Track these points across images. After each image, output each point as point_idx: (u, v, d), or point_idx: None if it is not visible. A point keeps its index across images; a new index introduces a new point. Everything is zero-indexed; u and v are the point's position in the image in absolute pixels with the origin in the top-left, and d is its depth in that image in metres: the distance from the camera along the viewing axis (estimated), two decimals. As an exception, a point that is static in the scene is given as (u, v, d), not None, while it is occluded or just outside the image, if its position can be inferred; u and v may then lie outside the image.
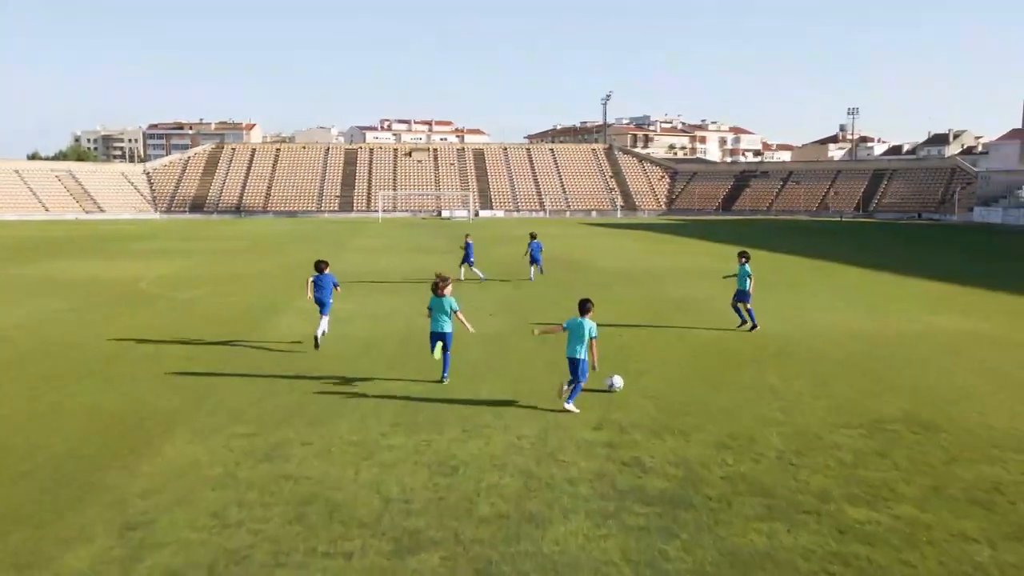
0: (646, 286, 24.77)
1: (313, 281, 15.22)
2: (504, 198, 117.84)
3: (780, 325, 17.47)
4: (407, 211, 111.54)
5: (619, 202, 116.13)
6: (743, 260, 17.11)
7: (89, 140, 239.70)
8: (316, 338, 14.82)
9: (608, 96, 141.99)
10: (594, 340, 10.94)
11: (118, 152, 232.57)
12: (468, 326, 12.72)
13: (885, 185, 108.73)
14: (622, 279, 26.84)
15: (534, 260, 26.62)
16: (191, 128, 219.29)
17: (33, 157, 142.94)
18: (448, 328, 12.20)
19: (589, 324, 10.91)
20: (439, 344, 12.09)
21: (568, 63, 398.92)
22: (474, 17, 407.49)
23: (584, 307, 11.02)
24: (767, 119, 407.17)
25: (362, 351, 14.75)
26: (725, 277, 18.76)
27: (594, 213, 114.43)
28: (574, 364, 10.91)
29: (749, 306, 16.86)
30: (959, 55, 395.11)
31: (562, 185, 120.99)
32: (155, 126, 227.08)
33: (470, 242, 27.00)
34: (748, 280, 16.69)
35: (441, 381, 12.36)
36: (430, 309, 12.29)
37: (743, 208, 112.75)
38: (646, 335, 16.37)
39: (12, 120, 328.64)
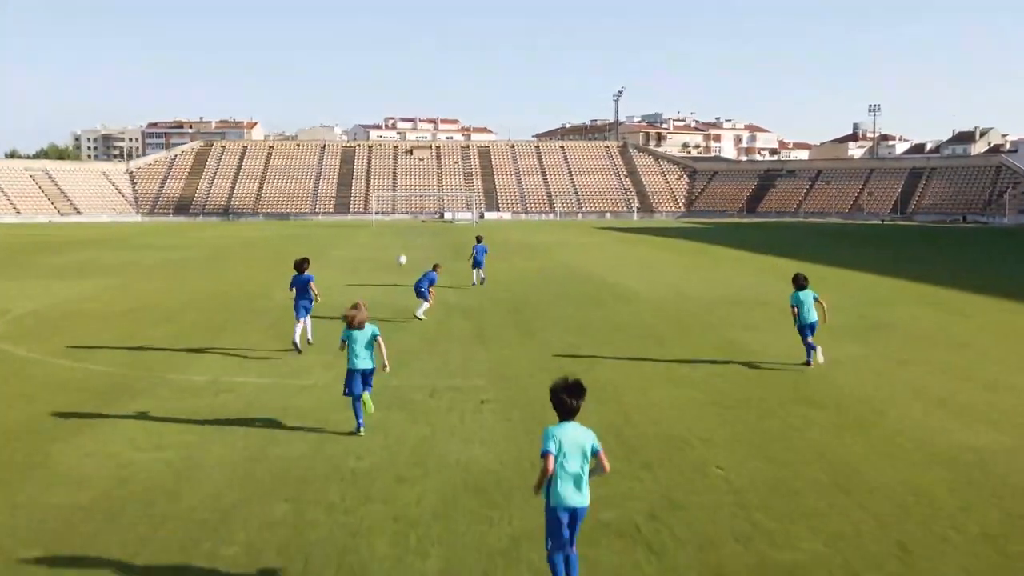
0: (714, 335, 17.01)
1: (290, 284, 14.57)
2: (511, 199, 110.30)
3: (1001, 435, 9.79)
4: (407, 213, 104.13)
5: (635, 203, 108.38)
6: (801, 285, 13.58)
7: (89, 139, 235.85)
8: (295, 343, 14.24)
9: (620, 92, 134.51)
10: (601, 455, 5.48)
11: (117, 151, 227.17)
12: (385, 358, 9.87)
13: (924, 185, 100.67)
14: (672, 318, 19.15)
15: (477, 264, 24.42)
16: (191, 127, 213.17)
17: (12, 155, 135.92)
18: (370, 363, 9.70)
19: (586, 436, 5.45)
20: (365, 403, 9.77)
21: (576, 62, 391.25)
22: (481, 16, 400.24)
23: (566, 405, 5.46)
24: (778, 117, 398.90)
25: (222, 517, 7.16)
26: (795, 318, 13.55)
27: (608, 215, 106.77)
28: (572, 522, 5.49)
29: (811, 340, 13.44)
30: (974, 53, 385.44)
31: (573, 185, 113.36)
32: (154, 125, 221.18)
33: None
34: (814, 308, 13.44)
35: (357, 432, 9.58)
36: (343, 341, 9.76)
37: (768, 209, 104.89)
38: (760, 464, 8.74)
39: (16, 120, 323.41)
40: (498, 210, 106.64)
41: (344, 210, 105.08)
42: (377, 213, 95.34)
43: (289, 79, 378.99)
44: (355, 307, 9.70)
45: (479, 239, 25.24)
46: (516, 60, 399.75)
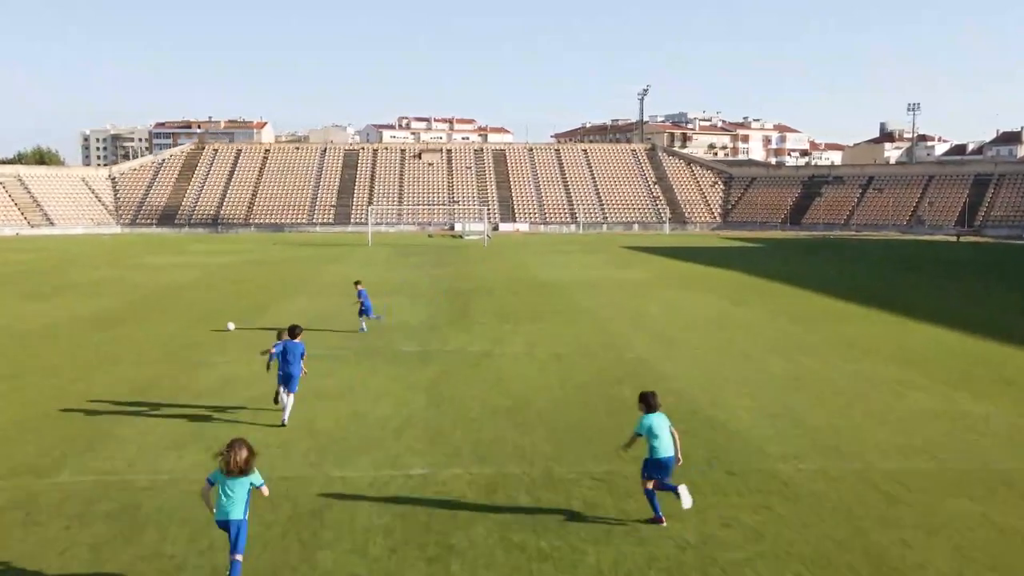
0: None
1: (279, 351, 12.91)
2: (529, 208, 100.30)
3: None
4: (414, 224, 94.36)
5: (666, 214, 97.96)
6: (649, 406, 9.39)
7: (98, 140, 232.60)
8: (284, 423, 12.88)
9: (646, 91, 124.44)
10: None
11: (125, 152, 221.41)
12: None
13: (992, 194, 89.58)
14: None
15: (364, 311, 22.72)
16: (199, 127, 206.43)
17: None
18: (241, 514, 7.37)
19: None
20: None
21: (593, 60, 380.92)
22: (496, 14, 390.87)
23: None
24: (799, 116, 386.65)
25: None
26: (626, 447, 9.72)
27: (636, 226, 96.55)
28: None
29: (649, 485, 9.26)
30: (999, 51, 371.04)
31: (597, 192, 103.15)
32: (162, 124, 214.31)
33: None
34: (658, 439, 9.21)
35: None
36: (210, 482, 7.58)
37: (815, 221, 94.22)
38: None
39: (28, 120, 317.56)
40: (514, 220, 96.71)
41: (345, 220, 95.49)
42: (378, 224, 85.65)
43: (302, 79, 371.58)
44: (230, 447, 7.41)
45: (358, 283, 23.86)
46: (533, 57, 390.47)
